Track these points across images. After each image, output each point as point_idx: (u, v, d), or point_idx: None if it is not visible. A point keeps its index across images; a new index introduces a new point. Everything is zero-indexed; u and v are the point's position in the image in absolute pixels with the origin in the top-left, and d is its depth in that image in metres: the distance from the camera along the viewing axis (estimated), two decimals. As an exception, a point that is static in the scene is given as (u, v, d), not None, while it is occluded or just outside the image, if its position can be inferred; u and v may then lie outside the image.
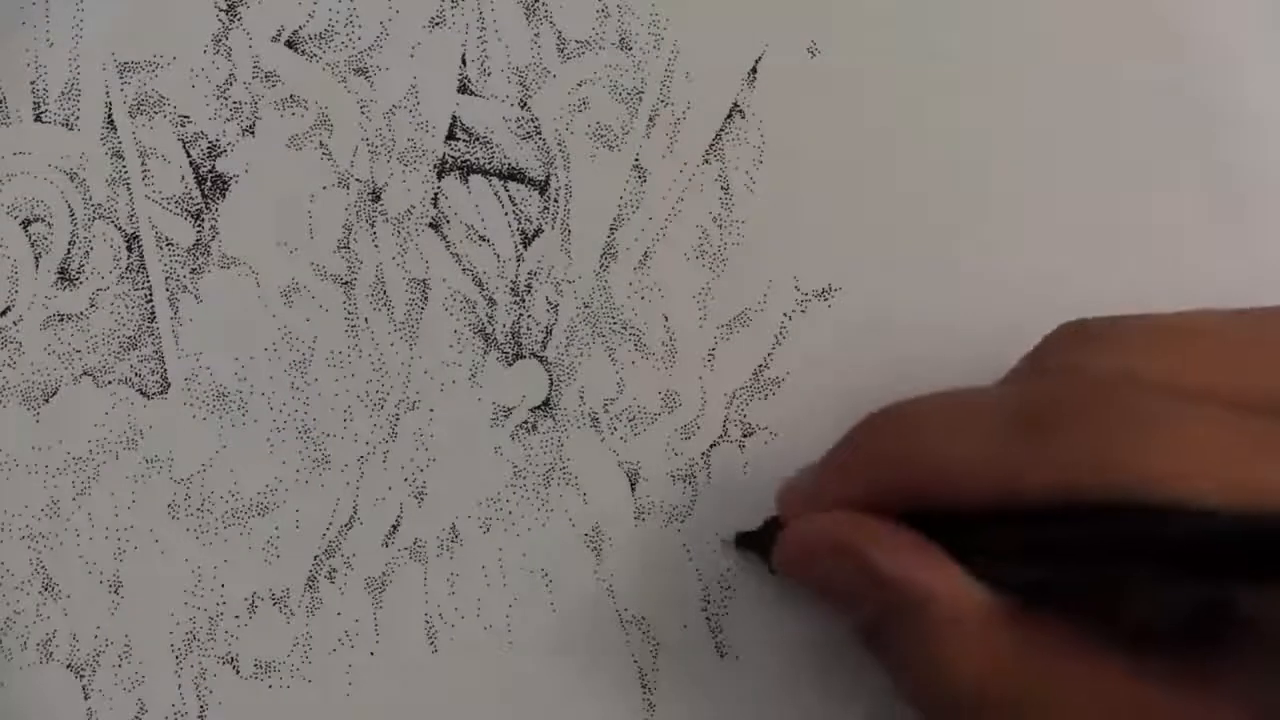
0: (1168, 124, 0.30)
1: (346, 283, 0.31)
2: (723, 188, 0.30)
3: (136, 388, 0.31)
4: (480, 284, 0.31)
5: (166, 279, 0.31)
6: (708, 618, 0.29)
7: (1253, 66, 0.30)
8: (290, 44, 0.31)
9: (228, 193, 0.31)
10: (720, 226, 0.30)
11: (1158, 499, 0.20)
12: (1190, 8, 0.30)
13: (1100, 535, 0.21)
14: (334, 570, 0.30)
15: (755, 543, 0.28)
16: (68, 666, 0.30)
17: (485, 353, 0.30)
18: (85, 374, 0.31)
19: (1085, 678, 0.21)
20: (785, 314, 0.30)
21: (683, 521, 0.30)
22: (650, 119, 0.31)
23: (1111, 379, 0.22)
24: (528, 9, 0.31)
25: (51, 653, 0.30)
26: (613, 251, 0.30)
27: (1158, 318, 0.23)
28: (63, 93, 0.31)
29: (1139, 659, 0.21)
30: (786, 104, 0.31)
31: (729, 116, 0.31)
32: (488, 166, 0.31)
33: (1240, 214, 0.30)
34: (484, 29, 0.31)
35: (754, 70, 0.31)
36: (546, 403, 0.30)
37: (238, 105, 0.31)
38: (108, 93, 0.31)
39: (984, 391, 0.24)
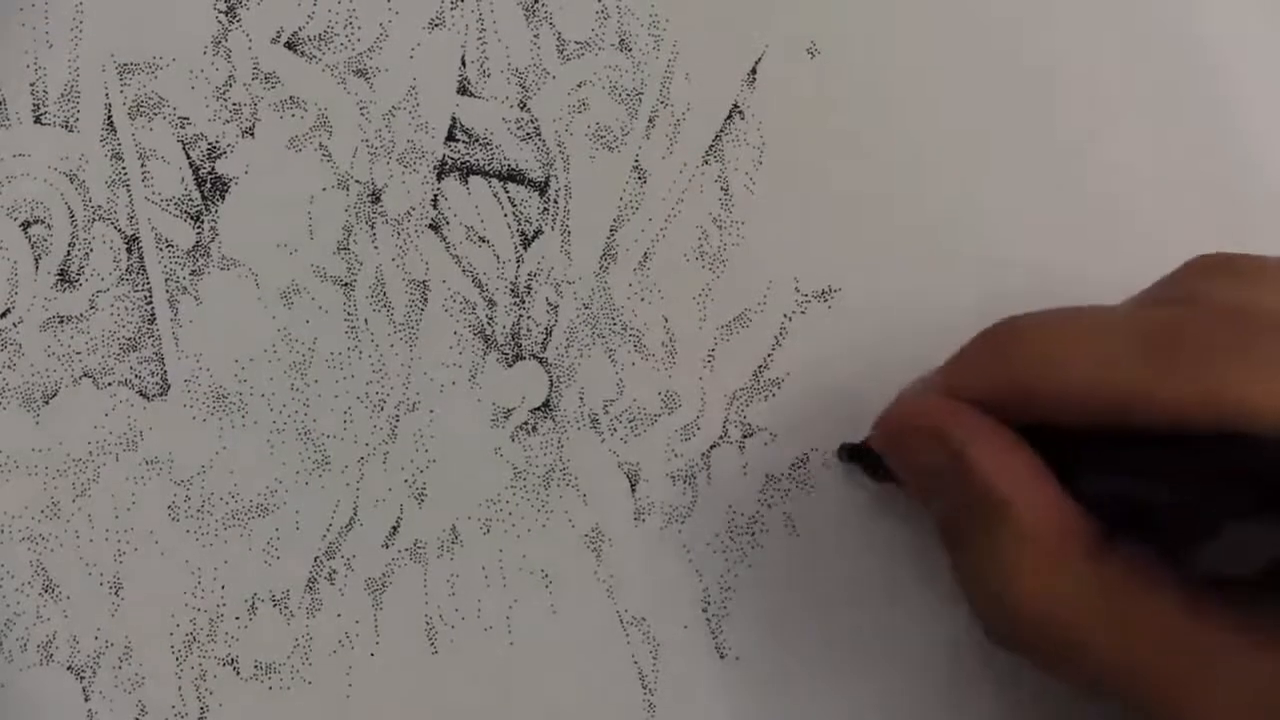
0: (1167, 124, 0.30)
1: (346, 284, 0.31)
2: (722, 189, 0.30)
3: (136, 389, 0.31)
4: (480, 285, 0.31)
5: (166, 280, 0.31)
6: (707, 618, 0.29)
7: (1253, 67, 0.30)
8: (290, 45, 0.31)
9: (227, 194, 0.31)
10: (720, 227, 0.30)
11: (1268, 432, 0.20)
12: (1190, 8, 0.30)
13: (1206, 463, 0.21)
14: (334, 571, 0.30)
15: (860, 455, 0.28)
16: (68, 668, 0.30)
17: (485, 354, 0.30)
18: (85, 375, 0.31)
19: (1144, 623, 0.21)
20: (785, 315, 0.30)
21: (683, 522, 0.30)
22: (650, 120, 0.31)
23: (1236, 309, 0.22)
24: (527, 10, 0.31)
25: (52, 654, 0.30)
26: (612, 252, 0.30)
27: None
28: (62, 94, 0.31)
29: (1207, 605, 0.21)
30: (786, 105, 0.31)
31: (729, 117, 0.31)
32: (487, 168, 0.31)
33: (1241, 213, 0.30)
34: (484, 30, 0.31)
35: (754, 71, 0.31)
36: (546, 404, 0.30)
37: (237, 107, 0.31)
38: (107, 94, 0.31)
39: (1111, 310, 0.24)
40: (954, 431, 0.23)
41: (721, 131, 0.31)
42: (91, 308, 0.31)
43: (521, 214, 0.31)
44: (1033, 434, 0.23)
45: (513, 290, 0.31)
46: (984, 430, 0.23)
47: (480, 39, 0.31)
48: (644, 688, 0.29)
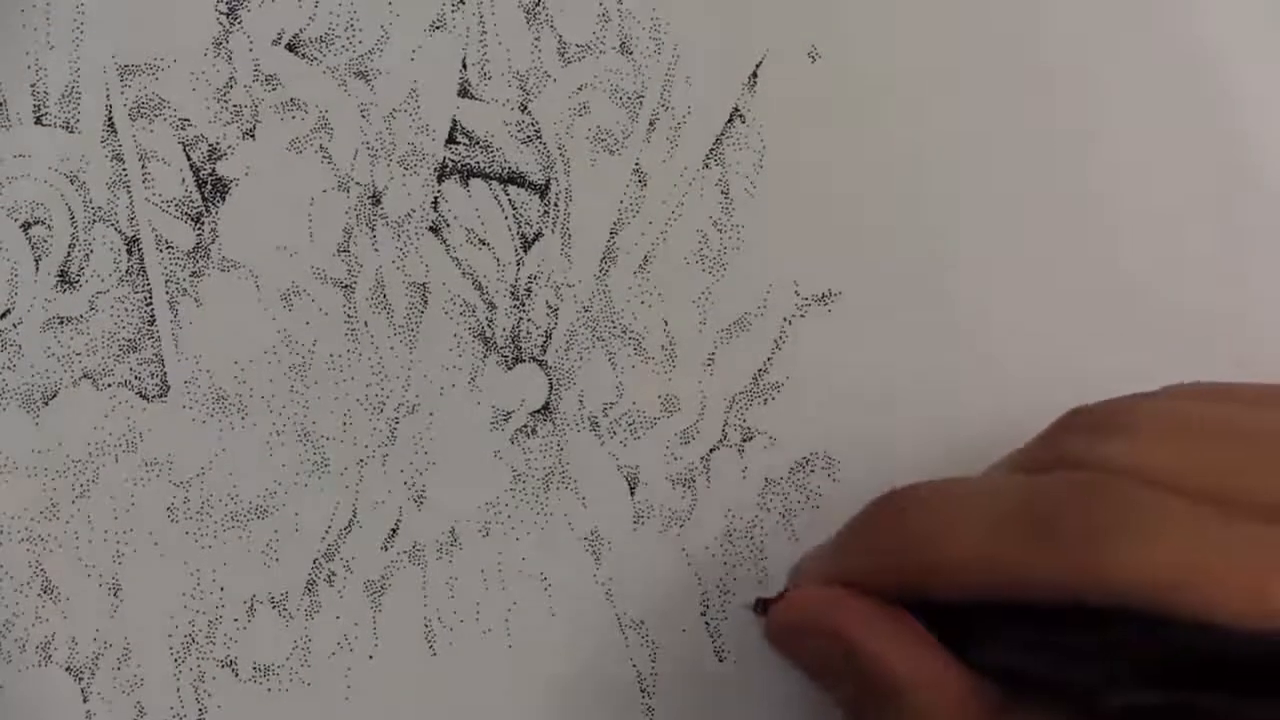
0: (1167, 124, 0.30)
1: (346, 286, 0.31)
2: (723, 192, 0.30)
3: (136, 390, 0.31)
4: (480, 288, 0.31)
5: (166, 282, 0.31)
6: (706, 622, 0.29)
7: (1253, 67, 0.30)
8: (291, 47, 0.31)
9: (228, 196, 0.31)
10: (720, 231, 0.30)
11: (1156, 608, 0.20)
12: (1190, 8, 0.30)
13: (1094, 638, 0.21)
14: (333, 573, 0.30)
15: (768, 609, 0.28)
16: (67, 669, 0.30)
17: (485, 356, 0.30)
18: (85, 376, 0.31)
19: None
20: (785, 318, 0.30)
21: (682, 525, 0.30)
22: (651, 123, 0.31)
23: (1116, 474, 0.22)
24: (528, 13, 0.31)
25: (51, 655, 0.30)
26: (613, 255, 0.30)
27: (1167, 404, 0.23)
28: (63, 95, 0.31)
29: None
30: (787, 108, 0.31)
31: (729, 121, 0.31)
32: (488, 170, 0.31)
33: (1240, 213, 0.30)
34: (485, 33, 0.31)
35: (754, 75, 0.31)
36: (546, 406, 0.30)
37: (238, 108, 0.31)
38: (108, 95, 0.31)
39: (987, 482, 0.24)
40: (841, 622, 0.23)
41: (722, 135, 0.31)
42: (91, 309, 0.31)
43: (522, 217, 0.31)
44: (923, 607, 0.23)
45: (513, 293, 0.31)
46: (872, 616, 0.23)
47: (481, 42, 0.31)
48: (642, 691, 0.29)
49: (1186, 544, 0.20)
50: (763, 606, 0.28)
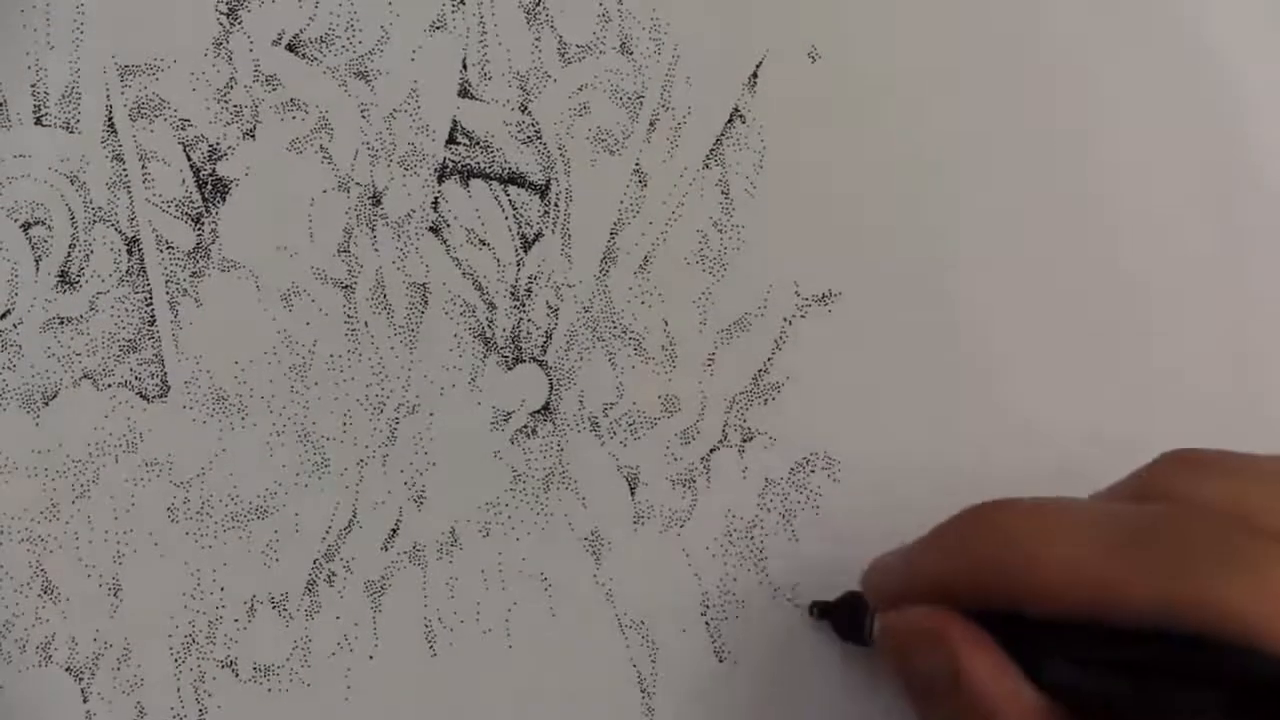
0: (1167, 125, 0.30)
1: (346, 286, 0.31)
2: (723, 192, 0.30)
3: (136, 391, 0.31)
4: (480, 288, 0.31)
5: (167, 282, 0.31)
6: (706, 622, 0.29)
7: (1253, 68, 0.30)
8: (291, 47, 0.31)
9: (228, 196, 0.31)
10: (720, 231, 0.30)
11: (1245, 643, 0.20)
12: (1190, 9, 0.30)
13: (1175, 664, 0.21)
14: (333, 574, 0.30)
15: (830, 613, 0.28)
16: (67, 669, 0.30)
17: (485, 357, 0.30)
18: (85, 377, 0.31)
19: None
20: (785, 318, 0.30)
21: (682, 526, 0.30)
22: (651, 123, 0.31)
23: (1219, 510, 0.22)
24: (529, 13, 0.31)
25: (51, 655, 0.30)
26: (613, 256, 0.30)
27: (1268, 459, 0.23)
28: (63, 96, 0.31)
29: None
30: (787, 109, 0.31)
31: (729, 121, 0.31)
32: (488, 171, 0.31)
33: (1240, 214, 0.30)
34: (485, 33, 0.31)
35: (754, 75, 0.31)
36: (546, 407, 0.30)
37: (238, 109, 0.31)
38: (108, 96, 0.31)
39: (1089, 504, 0.24)
40: (956, 646, 0.23)
41: (722, 135, 0.31)
42: (92, 309, 0.31)
43: (522, 217, 0.31)
44: (996, 620, 0.23)
45: (513, 293, 0.31)
46: (979, 643, 0.23)
47: (481, 42, 0.31)
48: (642, 691, 0.29)
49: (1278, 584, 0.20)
50: (819, 610, 0.28)
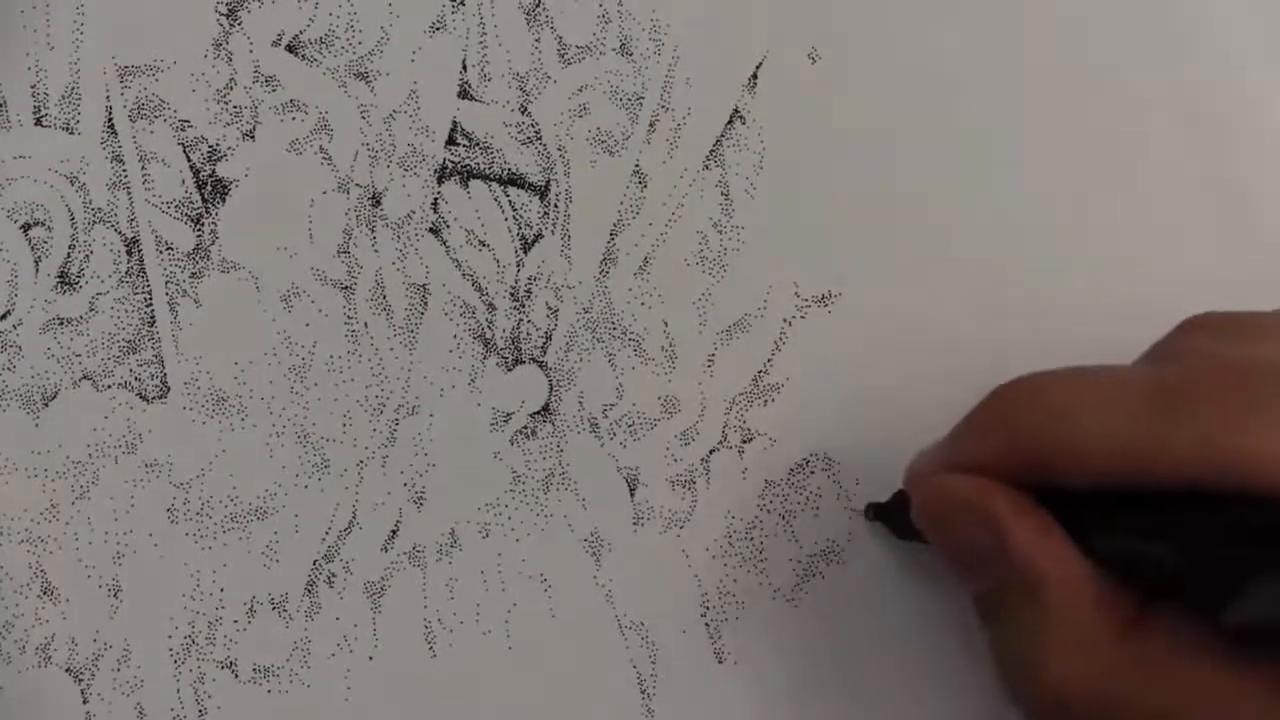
0: (1168, 125, 0.30)
1: (346, 287, 0.31)
2: (723, 193, 0.30)
3: (136, 392, 0.31)
4: (480, 289, 0.31)
5: (166, 283, 0.31)
6: (706, 623, 0.29)
7: (1253, 69, 0.30)
8: (291, 48, 0.31)
9: (228, 197, 0.31)
10: (720, 232, 0.30)
11: None
12: (1190, 9, 0.30)
13: (1227, 520, 0.21)
14: (333, 575, 0.30)
15: (885, 514, 0.28)
16: (67, 670, 0.30)
17: (485, 358, 0.30)
18: (85, 378, 0.31)
19: (1181, 698, 0.21)
20: (785, 319, 0.30)
21: (682, 527, 0.30)
22: (651, 124, 0.31)
23: (1243, 364, 0.22)
24: (528, 14, 0.31)
25: (50, 656, 0.30)
26: (613, 257, 0.30)
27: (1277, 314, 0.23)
28: (63, 96, 0.31)
29: (1242, 666, 0.21)
30: (787, 110, 0.31)
31: (729, 122, 0.31)
32: (488, 171, 0.31)
33: (1241, 214, 0.30)
34: (485, 34, 0.31)
35: (754, 76, 0.31)
36: (546, 408, 0.30)
37: (238, 109, 0.31)
38: (108, 97, 0.31)
39: (1121, 369, 0.24)
40: (995, 509, 0.23)
41: (722, 136, 0.31)
42: (91, 310, 0.31)
43: (522, 218, 0.31)
44: (1042, 497, 0.23)
45: (513, 294, 0.31)
46: (1022, 509, 0.23)
47: (481, 43, 0.31)
48: (642, 692, 0.29)
49: None
50: (874, 511, 0.28)
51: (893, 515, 0.28)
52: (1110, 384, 0.22)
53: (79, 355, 0.31)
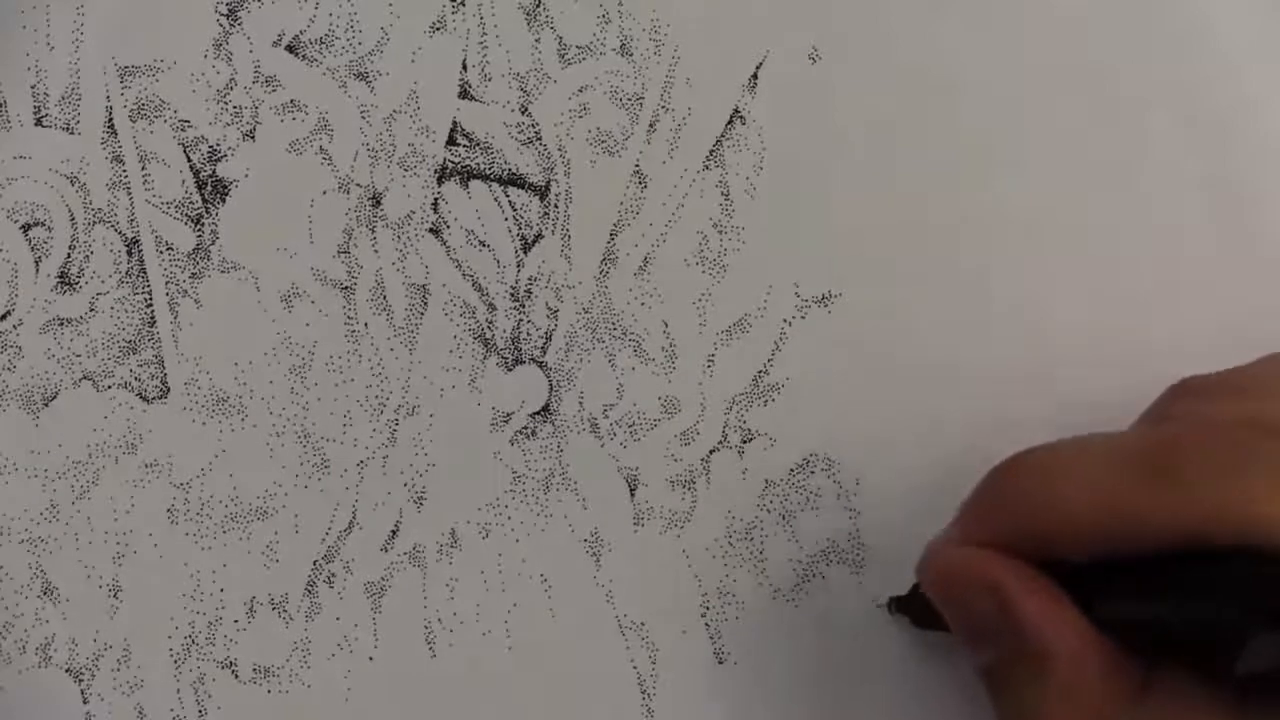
0: (1167, 125, 0.30)
1: (346, 288, 0.31)
2: (723, 194, 0.30)
3: (136, 392, 0.31)
4: (480, 289, 0.31)
5: (166, 283, 0.31)
6: (706, 623, 0.29)
7: (1253, 69, 0.30)
8: (291, 49, 0.31)
9: (228, 197, 0.31)
10: (720, 232, 0.30)
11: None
12: (1190, 9, 0.30)
13: (1225, 576, 0.21)
14: (333, 575, 0.30)
15: (906, 605, 0.28)
16: (67, 670, 0.30)
17: (485, 358, 0.30)
18: (85, 378, 0.31)
19: None
20: (785, 320, 0.30)
21: (682, 527, 0.30)
22: (651, 125, 0.31)
23: (1231, 422, 0.22)
24: (529, 14, 0.31)
25: (50, 656, 0.30)
26: (613, 257, 0.30)
27: (1264, 365, 0.24)
28: (63, 97, 0.31)
29: None
30: (787, 110, 0.31)
31: (730, 122, 0.31)
32: (488, 172, 0.31)
33: (1240, 214, 0.30)
34: (485, 34, 0.31)
35: (755, 76, 0.31)
36: (546, 408, 0.30)
37: (238, 110, 0.31)
38: (108, 97, 0.31)
39: (1105, 436, 0.24)
40: (1001, 580, 0.23)
41: (722, 136, 0.31)
42: (91, 310, 0.31)
43: (522, 218, 0.31)
44: (1048, 568, 0.23)
45: (513, 294, 0.31)
46: (1029, 581, 0.23)
47: (481, 43, 0.31)
48: (642, 692, 0.29)
49: None
50: (896, 605, 0.28)
51: (913, 606, 0.28)
52: (1094, 453, 0.23)
53: (79, 355, 0.31)
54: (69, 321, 0.31)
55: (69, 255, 0.31)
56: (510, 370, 0.30)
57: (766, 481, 0.30)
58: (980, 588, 0.24)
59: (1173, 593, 0.22)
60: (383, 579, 0.30)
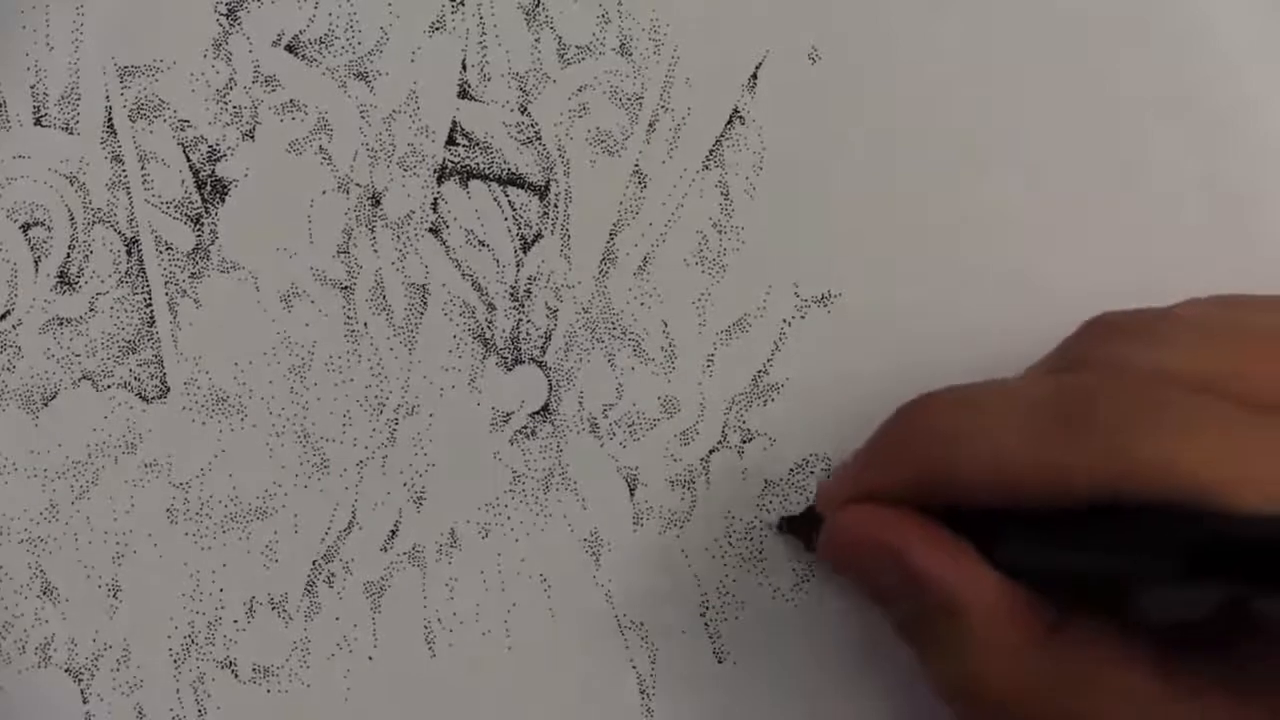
0: (1167, 125, 0.30)
1: (346, 287, 0.31)
2: (723, 193, 0.30)
3: (136, 392, 0.31)
4: (480, 289, 0.31)
5: (166, 283, 0.31)
6: (706, 623, 0.29)
7: (1253, 69, 0.30)
8: (290, 48, 0.31)
9: (227, 197, 0.31)
10: (720, 232, 0.30)
11: (1199, 502, 0.19)
12: (1190, 9, 0.30)
13: (1133, 532, 0.21)
14: (332, 575, 0.30)
15: (797, 527, 0.28)
16: (66, 670, 0.30)
17: (484, 358, 0.30)
18: (84, 378, 0.31)
19: (1101, 695, 0.21)
20: (785, 320, 0.30)
21: (681, 527, 0.30)
22: (650, 124, 0.31)
23: (1143, 374, 0.22)
24: (528, 14, 0.31)
25: (50, 656, 0.30)
26: (612, 257, 0.30)
27: (1187, 311, 0.23)
28: (63, 97, 0.31)
29: (1165, 670, 0.21)
30: (787, 110, 0.31)
31: (729, 122, 0.31)
32: (488, 172, 0.31)
33: (1239, 213, 0.30)
34: (484, 34, 0.31)
35: (754, 76, 0.31)
36: (545, 408, 0.30)
37: (238, 109, 0.31)
38: (108, 97, 0.31)
39: (1013, 383, 0.24)
40: (896, 543, 0.23)
41: (722, 136, 0.31)
42: (91, 310, 0.31)
43: (521, 218, 0.31)
44: (953, 512, 0.23)
45: (512, 294, 0.31)
46: (925, 534, 0.23)
47: (481, 43, 0.31)
48: (642, 692, 0.29)
49: (1221, 437, 0.20)
50: (787, 525, 0.28)
51: (803, 528, 0.28)
52: (1002, 402, 0.22)
53: (79, 355, 0.31)
54: (68, 321, 0.31)
55: (68, 255, 0.31)
56: (510, 370, 0.30)
57: (766, 481, 0.30)
58: (879, 554, 0.23)
59: (1081, 544, 0.21)
60: (382, 579, 0.30)
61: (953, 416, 0.23)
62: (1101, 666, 0.21)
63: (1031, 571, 0.22)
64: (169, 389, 0.31)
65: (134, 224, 0.31)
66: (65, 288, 0.31)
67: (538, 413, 0.30)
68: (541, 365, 0.30)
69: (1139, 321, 0.23)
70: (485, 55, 0.31)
